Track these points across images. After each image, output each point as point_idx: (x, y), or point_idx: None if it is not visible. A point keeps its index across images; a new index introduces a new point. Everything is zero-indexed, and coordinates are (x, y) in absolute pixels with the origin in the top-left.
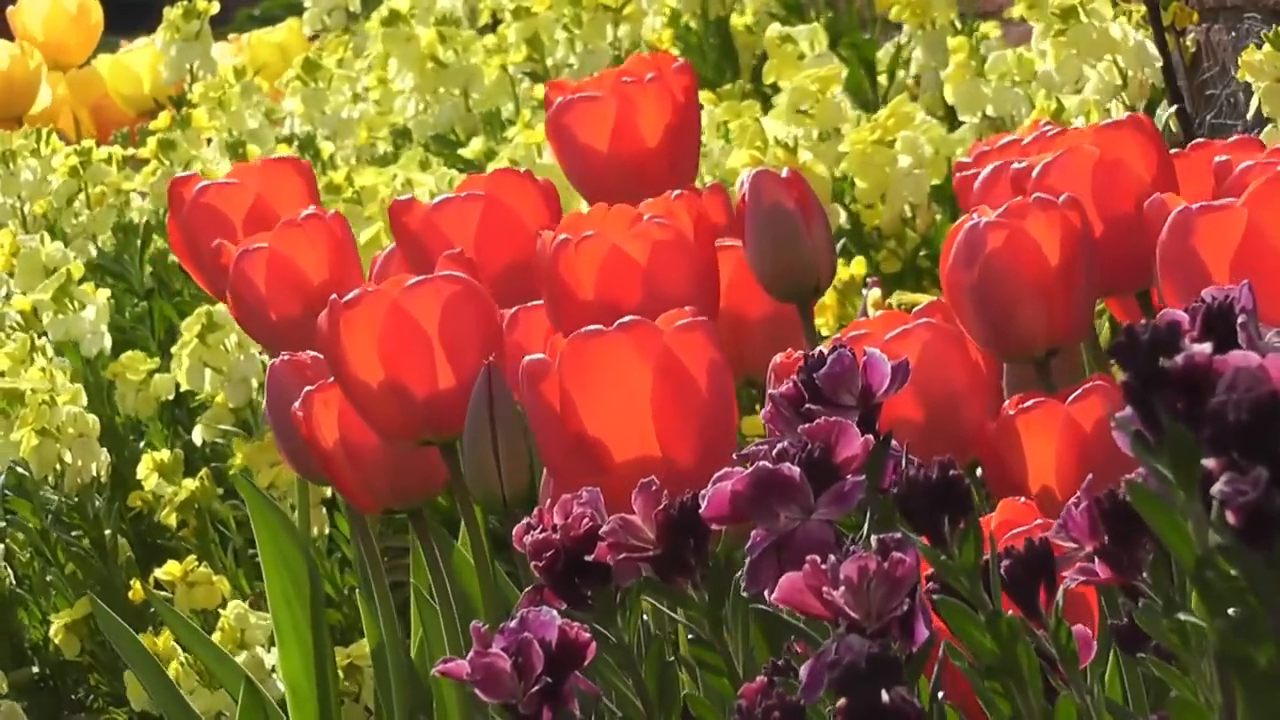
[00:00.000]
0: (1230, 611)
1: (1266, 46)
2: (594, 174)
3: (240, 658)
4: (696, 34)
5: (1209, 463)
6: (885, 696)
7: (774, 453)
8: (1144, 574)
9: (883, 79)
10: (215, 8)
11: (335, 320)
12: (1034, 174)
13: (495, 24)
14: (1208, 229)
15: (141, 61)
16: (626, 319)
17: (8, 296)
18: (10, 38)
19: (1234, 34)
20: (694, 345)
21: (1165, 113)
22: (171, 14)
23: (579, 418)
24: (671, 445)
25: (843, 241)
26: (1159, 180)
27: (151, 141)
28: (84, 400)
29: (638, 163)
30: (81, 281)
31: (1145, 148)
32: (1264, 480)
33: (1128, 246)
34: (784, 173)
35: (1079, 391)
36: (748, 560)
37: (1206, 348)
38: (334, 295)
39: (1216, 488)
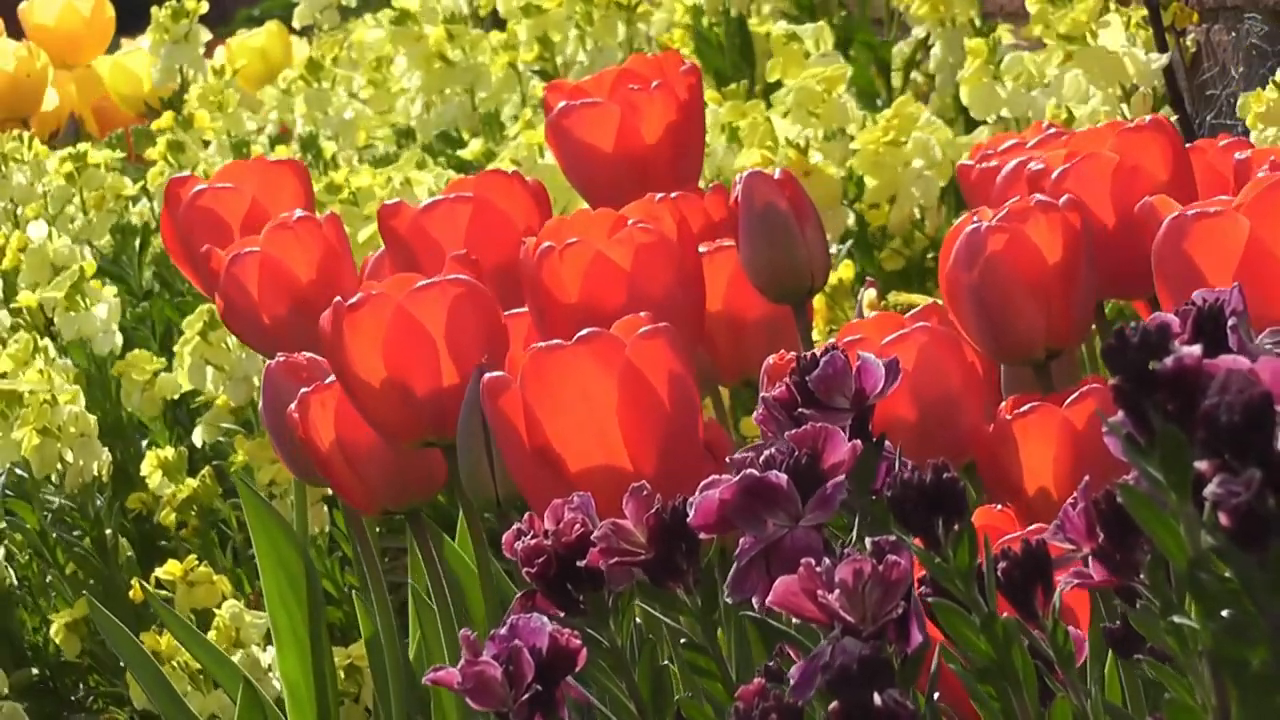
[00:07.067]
0: (1224, 614)
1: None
2: (596, 175)
3: (236, 657)
4: (716, 32)
5: (1201, 465)
6: (878, 699)
7: (761, 460)
8: (1141, 575)
9: (896, 79)
10: (204, 7)
11: (339, 323)
12: (1053, 177)
13: (496, 19)
14: (1202, 234)
15: (141, 62)
16: (586, 331)
17: (14, 293)
18: (21, 35)
19: (1234, 34)
20: (655, 354)
21: (1165, 113)
22: (160, 15)
23: (543, 432)
24: (636, 457)
25: (849, 243)
26: (1176, 184)
27: (161, 142)
28: (82, 402)
29: (640, 162)
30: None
31: (1165, 150)
32: (1257, 482)
33: (1146, 251)
34: (776, 173)
35: (1076, 394)
36: (734, 567)
37: (1197, 350)
38: (338, 297)
39: (1209, 490)
